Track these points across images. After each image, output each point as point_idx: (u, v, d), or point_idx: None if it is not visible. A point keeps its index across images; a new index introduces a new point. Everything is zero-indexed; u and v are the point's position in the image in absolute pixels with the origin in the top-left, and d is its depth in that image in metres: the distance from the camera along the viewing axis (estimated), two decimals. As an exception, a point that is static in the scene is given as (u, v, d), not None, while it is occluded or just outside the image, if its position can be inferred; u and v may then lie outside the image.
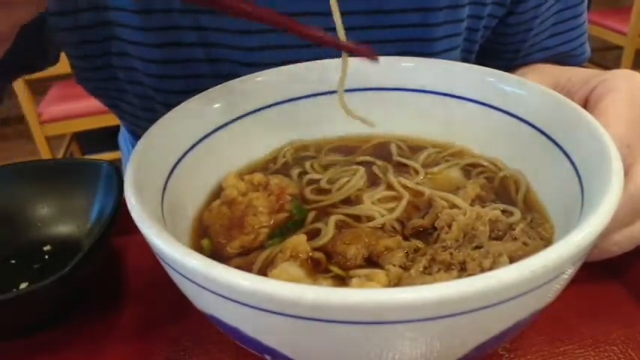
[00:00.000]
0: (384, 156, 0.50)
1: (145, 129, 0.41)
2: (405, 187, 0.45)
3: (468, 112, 0.49)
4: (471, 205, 0.42)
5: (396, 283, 0.35)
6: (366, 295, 0.24)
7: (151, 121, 0.43)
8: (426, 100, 0.51)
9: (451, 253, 0.37)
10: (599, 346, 0.41)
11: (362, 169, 0.47)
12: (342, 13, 0.58)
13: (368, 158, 0.50)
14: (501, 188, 0.45)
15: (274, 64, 0.55)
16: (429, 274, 0.36)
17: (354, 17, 0.59)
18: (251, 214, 0.42)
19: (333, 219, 0.41)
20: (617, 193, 0.31)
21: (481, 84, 0.48)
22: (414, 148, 0.51)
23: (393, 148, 0.51)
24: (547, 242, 0.38)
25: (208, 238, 0.42)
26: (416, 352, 0.28)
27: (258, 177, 0.45)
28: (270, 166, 0.50)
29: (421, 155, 0.49)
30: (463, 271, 0.36)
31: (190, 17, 0.57)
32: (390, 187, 0.45)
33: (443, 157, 0.49)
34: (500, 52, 0.72)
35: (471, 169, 0.48)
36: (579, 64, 0.74)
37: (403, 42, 0.61)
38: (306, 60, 0.53)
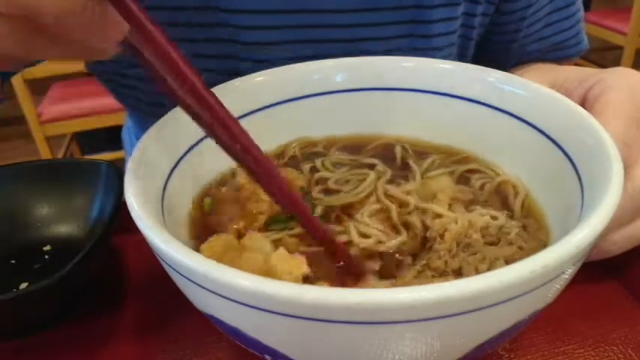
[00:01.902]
0: (388, 159, 0.50)
1: (147, 112, 0.41)
2: (392, 197, 0.44)
3: (467, 111, 0.49)
4: (450, 209, 0.42)
5: (392, 283, 0.35)
6: (366, 295, 0.24)
7: (153, 104, 0.42)
8: (426, 100, 0.51)
9: (446, 261, 0.37)
10: (599, 346, 0.41)
11: (372, 175, 0.47)
12: (337, 11, 0.59)
13: (372, 160, 0.50)
14: (498, 194, 0.45)
15: (276, 43, 0.57)
16: (424, 277, 0.36)
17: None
18: (253, 200, 0.43)
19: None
20: (618, 193, 0.31)
21: (481, 84, 0.48)
22: (420, 152, 0.51)
23: (398, 151, 0.51)
24: (544, 244, 0.38)
25: (211, 198, 0.43)
26: (416, 352, 0.28)
27: None
28: (278, 161, 0.50)
29: (425, 162, 0.49)
30: (459, 275, 0.36)
31: None
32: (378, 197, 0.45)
33: (444, 163, 0.49)
34: (495, 42, 0.72)
35: (470, 175, 0.47)
36: (576, 55, 0.75)
37: (400, 38, 0.62)
38: (307, 39, 0.52)
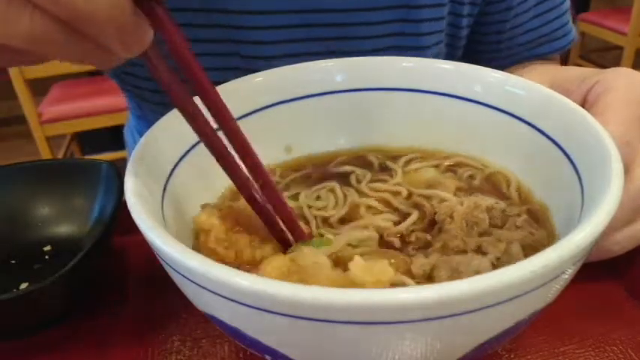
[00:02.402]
0: (364, 164, 0.50)
1: (150, 102, 0.40)
2: (380, 191, 0.45)
3: (467, 112, 0.49)
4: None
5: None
6: (366, 295, 0.24)
7: (156, 91, 0.41)
8: (426, 100, 0.51)
9: (463, 240, 0.38)
10: (599, 346, 0.41)
11: (335, 185, 0.47)
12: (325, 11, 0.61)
13: (346, 168, 0.50)
14: (490, 185, 0.46)
15: (271, 27, 0.60)
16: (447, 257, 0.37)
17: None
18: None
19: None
20: (618, 193, 0.31)
21: (481, 84, 0.48)
22: (394, 157, 0.51)
23: (372, 158, 0.51)
24: (549, 233, 0.39)
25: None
26: (416, 352, 0.28)
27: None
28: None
29: (402, 159, 0.50)
30: (480, 253, 0.37)
31: None
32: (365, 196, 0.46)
33: (425, 158, 0.50)
34: (484, 34, 0.73)
35: (457, 168, 0.48)
36: (565, 47, 0.76)
37: (391, 23, 0.64)
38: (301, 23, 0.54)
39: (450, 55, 0.72)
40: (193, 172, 0.44)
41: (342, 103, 0.52)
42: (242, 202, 0.39)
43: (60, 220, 0.54)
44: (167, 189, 0.40)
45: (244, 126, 0.48)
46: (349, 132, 0.53)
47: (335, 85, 0.52)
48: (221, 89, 0.47)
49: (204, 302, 0.31)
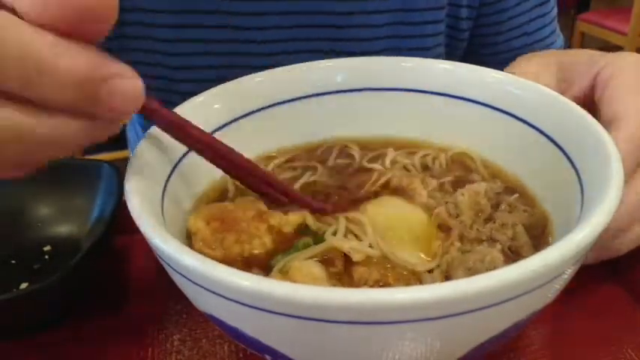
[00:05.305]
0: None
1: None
2: None
3: (467, 112, 0.49)
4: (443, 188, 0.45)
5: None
6: (366, 295, 0.24)
7: (161, 90, 0.41)
8: (426, 100, 0.51)
9: (478, 230, 0.39)
10: (599, 346, 0.41)
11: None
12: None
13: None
14: (459, 165, 0.48)
15: (275, 27, 0.61)
16: (467, 251, 0.38)
17: None
18: (253, 226, 0.39)
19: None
20: (618, 192, 0.31)
21: (481, 84, 0.48)
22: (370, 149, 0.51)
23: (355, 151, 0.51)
24: (539, 210, 0.41)
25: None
26: (416, 352, 0.28)
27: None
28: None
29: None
30: (492, 242, 0.38)
31: None
32: None
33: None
34: (481, 36, 0.74)
35: (428, 160, 0.49)
36: None
37: (390, 25, 0.65)
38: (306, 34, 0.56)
39: (449, 57, 0.72)
40: (193, 172, 0.44)
41: (342, 103, 0.52)
42: (228, 202, 0.41)
43: (60, 220, 0.54)
44: (167, 189, 0.40)
45: (244, 126, 0.49)
46: (349, 132, 0.53)
47: (335, 85, 0.52)
48: (222, 89, 0.48)
49: (204, 302, 0.31)
